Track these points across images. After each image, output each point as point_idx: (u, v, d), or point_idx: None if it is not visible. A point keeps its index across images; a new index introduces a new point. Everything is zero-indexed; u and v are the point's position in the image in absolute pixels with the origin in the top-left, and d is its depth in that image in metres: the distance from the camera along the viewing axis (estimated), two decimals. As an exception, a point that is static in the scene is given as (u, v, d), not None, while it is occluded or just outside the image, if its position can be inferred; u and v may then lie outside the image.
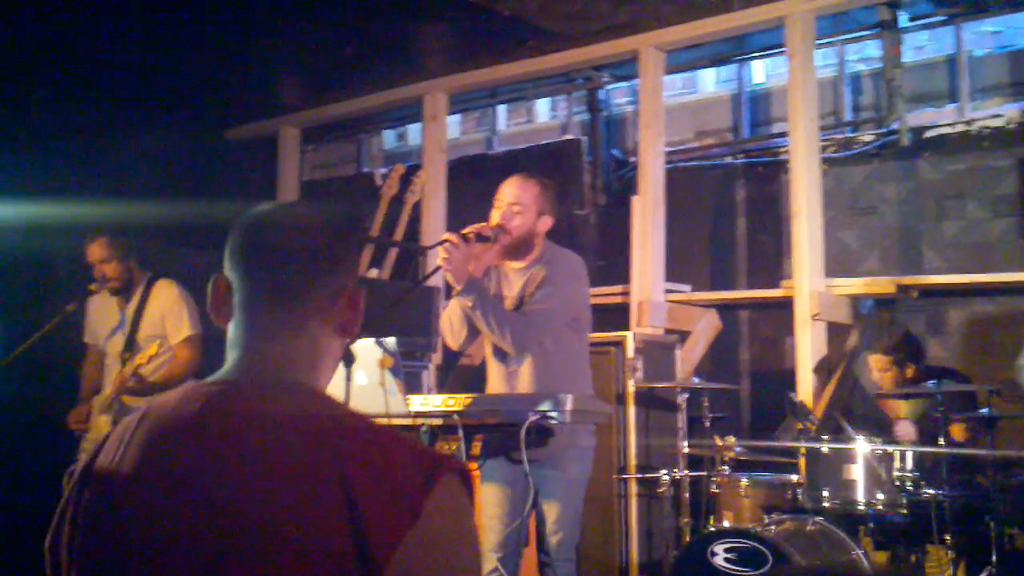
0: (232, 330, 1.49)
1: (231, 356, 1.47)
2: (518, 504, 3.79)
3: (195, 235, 5.46)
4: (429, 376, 5.79)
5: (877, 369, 4.84)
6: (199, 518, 1.31)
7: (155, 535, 1.32)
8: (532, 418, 3.39)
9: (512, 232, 3.83)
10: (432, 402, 3.56)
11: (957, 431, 4.42)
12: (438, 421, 3.50)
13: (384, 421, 3.32)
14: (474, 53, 6.66)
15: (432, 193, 6.73)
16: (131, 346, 4.97)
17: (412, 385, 4.92)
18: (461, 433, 3.49)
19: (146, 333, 4.99)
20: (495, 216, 3.85)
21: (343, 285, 1.50)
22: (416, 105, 7.03)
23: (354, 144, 8.22)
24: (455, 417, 3.46)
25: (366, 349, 3.52)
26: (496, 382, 3.92)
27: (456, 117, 7.68)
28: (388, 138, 8.25)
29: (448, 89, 6.88)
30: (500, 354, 3.87)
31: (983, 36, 5.88)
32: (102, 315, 5.19)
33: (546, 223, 3.89)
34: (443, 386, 5.81)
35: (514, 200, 3.84)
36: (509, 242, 3.84)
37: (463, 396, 3.55)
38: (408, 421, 3.50)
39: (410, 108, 7.27)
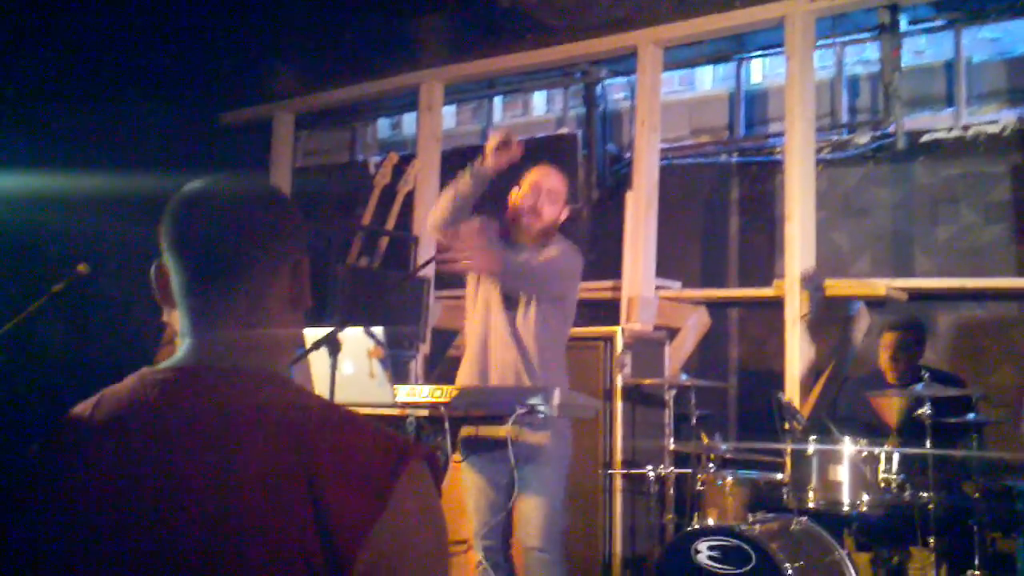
0: (179, 318, 1.43)
1: (183, 344, 1.41)
2: (501, 495, 3.81)
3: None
4: (417, 365, 5.79)
5: (889, 347, 4.82)
6: (159, 511, 1.26)
7: (114, 529, 1.27)
8: (520, 411, 3.40)
9: (544, 218, 3.96)
10: (419, 393, 3.56)
11: None
12: (424, 412, 3.49)
13: (367, 410, 3.33)
14: (472, 44, 6.64)
15: (425, 183, 6.71)
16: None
17: (400, 374, 4.92)
18: (447, 425, 3.50)
19: None
20: (523, 198, 3.96)
21: (283, 256, 1.43)
22: (412, 94, 7.01)
23: (348, 132, 8.19)
24: (442, 409, 3.46)
25: (354, 338, 3.52)
26: (473, 335, 3.97)
27: (451, 108, 7.66)
28: (383, 127, 8.22)
29: (445, 79, 6.87)
30: (490, 307, 3.93)
31: (982, 42, 5.87)
32: None
33: (566, 213, 4.03)
34: (431, 375, 5.80)
35: (550, 188, 3.96)
36: (540, 227, 3.96)
37: (450, 388, 3.54)
38: (395, 412, 3.50)
39: (406, 97, 7.25)
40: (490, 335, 3.90)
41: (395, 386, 3.50)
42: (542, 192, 3.95)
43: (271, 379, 1.38)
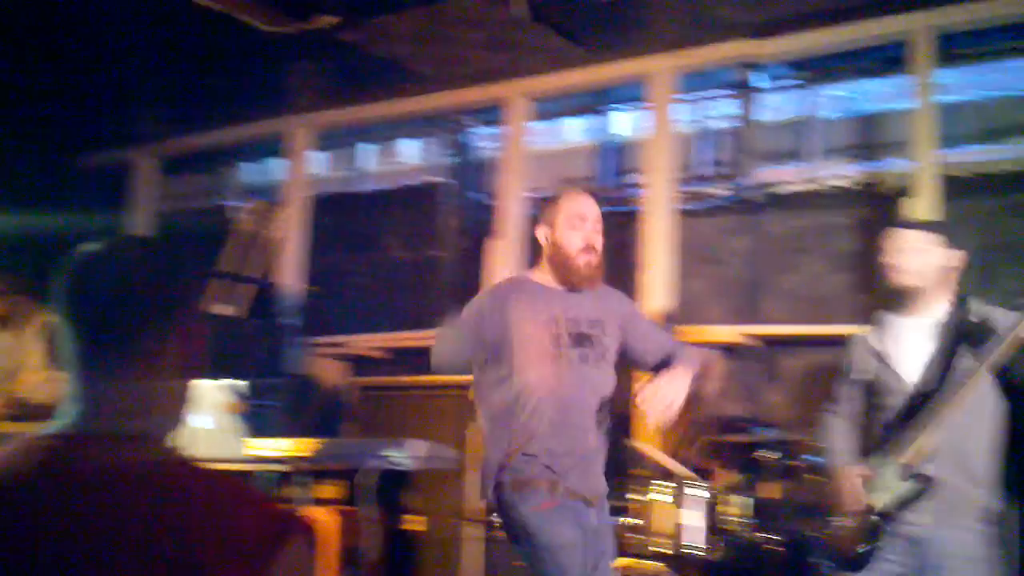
0: (69, 381, 1.42)
1: (70, 408, 1.39)
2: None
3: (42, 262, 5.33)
4: (279, 416, 5.75)
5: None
6: None
7: None
8: (373, 463, 3.44)
9: (599, 252, 3.50)
10: (280, 447, 3.57)
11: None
12: (284, 467, 3.50)
13: (231, 466, 3.33)
14: (342, 91, 6.68)
15: (292, 230, 6.70)
16: (15, 376, 4.87)
17: (262, 426, 4.89)
18: (311, 479, 3.51)
19: (33, 362, 4.89)
20: (575, 237, 3.45)
21: (179, 322, 1.43)
22: (279, 140, 7.00)
23: (213, 176, 8.07)
24: (300, 463, 3.48)
25: (213, 391, 3.52)
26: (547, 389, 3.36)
27: (322, 153, 7.64)
28: (249, 171, 8.09)
29: (312, 126, 6.87)
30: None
31: (833, 100, 6.14)
32: None
33: None
34: (294, 427, 5.76)
35: (597, 219, 3.49)
36: (598, 263, 3.49)
37: (311, 440, 3.56)
38: (255, 467, 3.50)
39: (273, 143, 7.22)
40: (575, 392, 3.40)
41: (255, 439, 3.51)
42: (589, 223, 3.46)
43: (153, 445, 1.38)
